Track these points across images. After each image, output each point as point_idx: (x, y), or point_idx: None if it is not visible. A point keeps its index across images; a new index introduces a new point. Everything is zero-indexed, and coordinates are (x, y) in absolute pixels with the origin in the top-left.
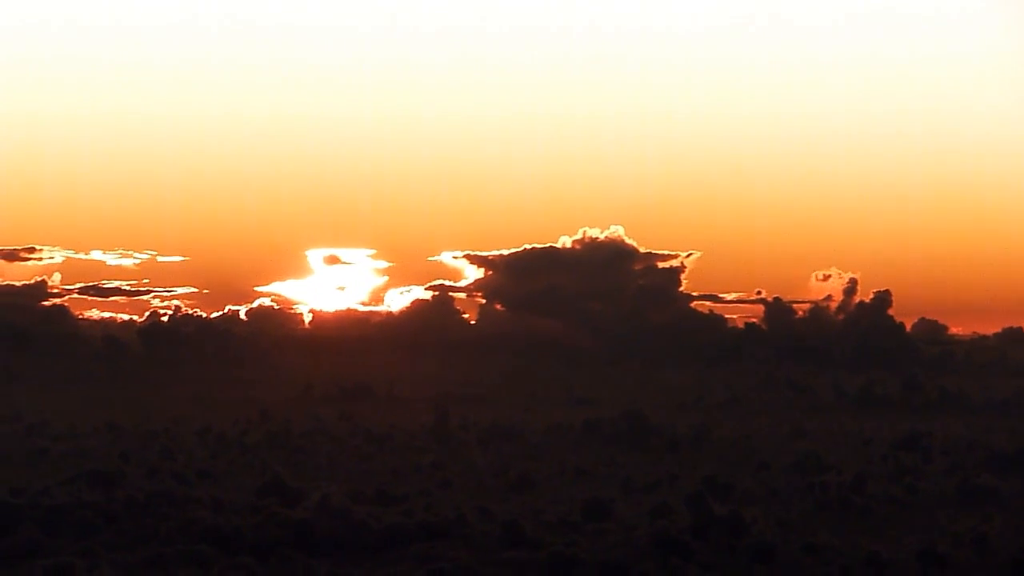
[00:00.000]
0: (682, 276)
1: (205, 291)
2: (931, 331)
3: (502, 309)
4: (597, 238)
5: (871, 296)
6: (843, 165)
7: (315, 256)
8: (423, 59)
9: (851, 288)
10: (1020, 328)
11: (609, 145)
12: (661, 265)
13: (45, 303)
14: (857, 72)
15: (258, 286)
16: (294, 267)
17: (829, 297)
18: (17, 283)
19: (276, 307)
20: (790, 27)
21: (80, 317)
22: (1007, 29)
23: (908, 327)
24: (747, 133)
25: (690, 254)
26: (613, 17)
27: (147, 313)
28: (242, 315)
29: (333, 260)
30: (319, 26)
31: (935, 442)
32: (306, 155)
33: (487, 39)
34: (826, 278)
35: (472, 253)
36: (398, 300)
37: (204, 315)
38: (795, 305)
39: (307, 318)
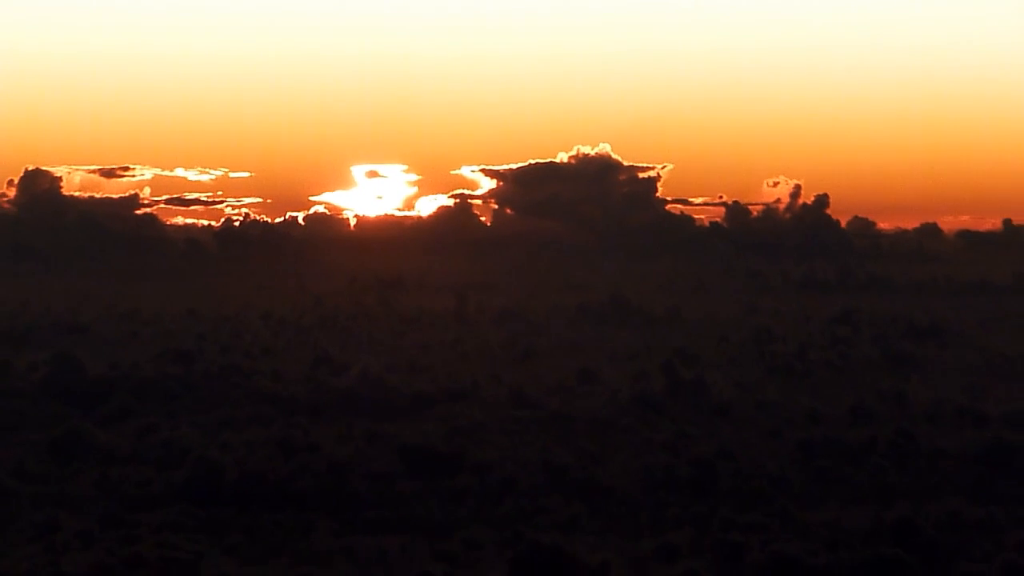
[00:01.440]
0: (658, 184)
1: (269, 201)
2: (862, 227)
3: (511, 213)
4: (589, 154)
5: (812, 199)
6: (790, 88)
7: (358, 171)
8: (449, 6)
9: (796, 192)
10: (935, 223)
11: (599, 76)
12: (641, 176)
13: (137, 212)
14: (804, 4)
15: (312, 196)
16: (342, 180)
17: (778, 200)
18: (114, 196)
19: (327, 213)
20: None
21: (166, 224)
22: None
23: (843, 224)
24: (711, 63)
25: (665, 166)
26: None
27: (221, 220)
28: (300, 220)
29: (373, 174)
30: None
31: (864, 317)
32: (351, 87)
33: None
34: (776, 184)
35: (487, 167)
36: (426, 207)
37: (268, 220)
38: (750, 207)
39: (352, 222)
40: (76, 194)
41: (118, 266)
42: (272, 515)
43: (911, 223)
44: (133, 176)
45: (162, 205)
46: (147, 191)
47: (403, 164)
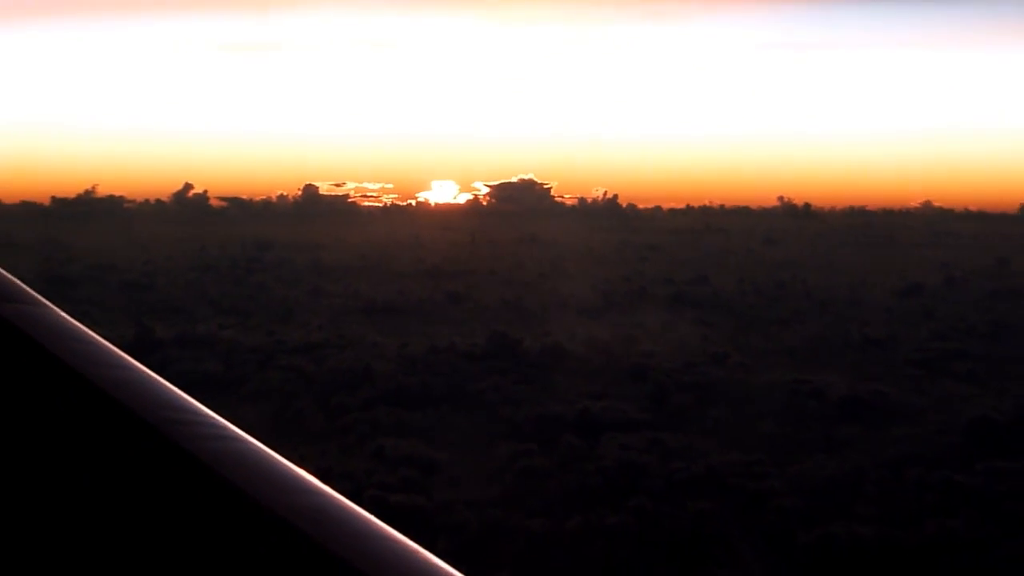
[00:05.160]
0: (551, 191)
1: (399, 196)
2: (630, 207)
3: (495, 202)
4: (524, 178)
5: (613, 195)
6: (615, 135)
7: (436, 184)
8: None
9: (604, 194)
10: (659, 206)
11: (532, 135)
12: (545, 187)
13: (347, 202)
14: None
15: (418, 193)
16: (427, 187)
17: (598, 197)
18: (339, 195)
19: (424, 202)
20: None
21: (360, 206)
22: None
23: (623, 206)
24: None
25: (555, 183)
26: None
27: (381, 205)
28: (413, 205)
29: (440, 186)
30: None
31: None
32: (430, 137)
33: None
34: (599, 191)
35: (486, 183)
36: (461, 199)
37: (400, 204)
38: (588, 200)
39: (432, 205)
40: (323, 194)
41: (340, 225)
42: None
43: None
44: (345, 186)
45: (357, 199)
46: (352, 193)
47: (453, 180)
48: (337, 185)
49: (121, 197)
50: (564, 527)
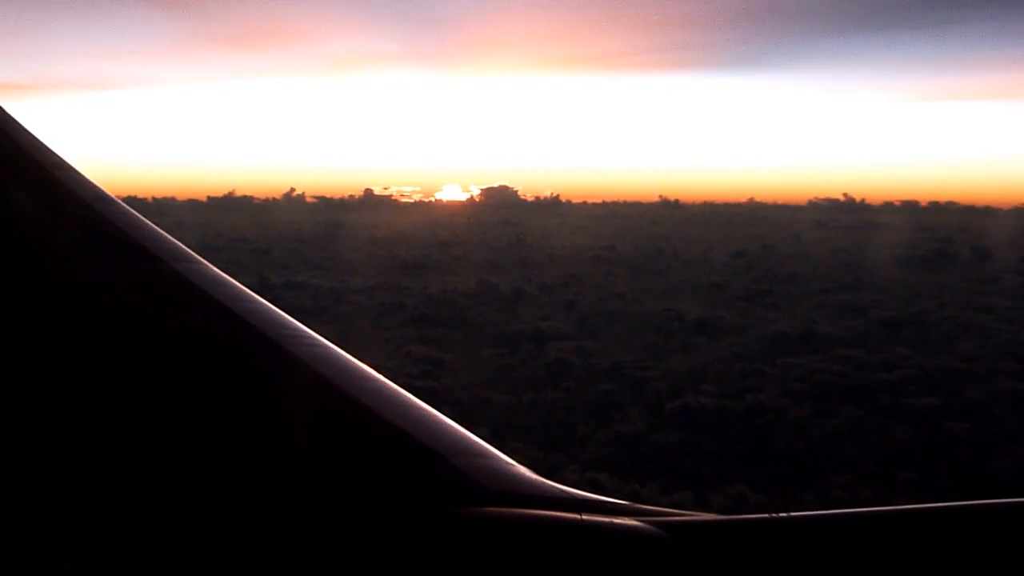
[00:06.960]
0: (519, 192)
1: (422, 194)
2: (561, 201)
3: (484, 199)
4: (503, 185)
5: (555, 195)
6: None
7: (446, 187)
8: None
9: (550, 195)
10: (573, 198)
11: (506, 155)
12: (514, 189)
13: (390, 199)
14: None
15: (435, 192)
16: (441, 189)
17: (538, 197)
18: (385, 195)
19: (440, 199)
20: None
21: (398, 202)
22: None
23: (562, 201)
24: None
25: (521, 188)
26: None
27: (412, 200)
28: (432, 201)
29: (449, 188)
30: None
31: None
32: (446, 152)
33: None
34: (549, 193)
35: (479, 187)
36: (462, 198)
37: (424, 201)
38: (538, 198)
39: (444, 201)
40: (376, 194)
41: (386, 214)
42: None
43: (590, 199)
44: (390, 189)
45: (397, 197)
46: (394, 193)
47: (457, 184)
48: (384, 188)
49: (251, 196)
50: (522, 400)
